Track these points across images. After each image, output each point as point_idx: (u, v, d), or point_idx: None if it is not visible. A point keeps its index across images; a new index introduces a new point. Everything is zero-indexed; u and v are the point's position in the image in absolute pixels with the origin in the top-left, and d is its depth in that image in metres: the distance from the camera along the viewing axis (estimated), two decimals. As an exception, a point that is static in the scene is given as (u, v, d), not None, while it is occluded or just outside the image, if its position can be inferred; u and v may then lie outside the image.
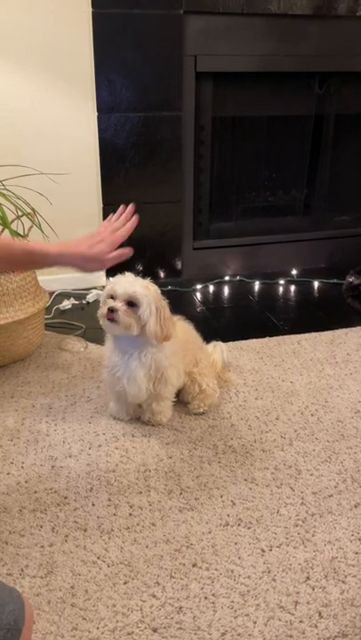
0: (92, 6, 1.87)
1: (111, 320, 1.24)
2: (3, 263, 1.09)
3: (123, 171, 2.13)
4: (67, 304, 2.12)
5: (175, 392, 1.44)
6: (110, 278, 1.30)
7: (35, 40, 1.89)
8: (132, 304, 1.24)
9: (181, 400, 1.49)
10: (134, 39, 1.96)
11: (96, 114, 2.03)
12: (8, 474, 1.25)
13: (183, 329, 1.47)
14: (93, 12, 1.88)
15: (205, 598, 0.97)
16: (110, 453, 1.32)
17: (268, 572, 1.02)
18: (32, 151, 1.99)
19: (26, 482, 1.23)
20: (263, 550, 1.07)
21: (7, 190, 1.62)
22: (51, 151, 2.04)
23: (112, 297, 1.26)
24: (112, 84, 1.99)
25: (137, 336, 1.27)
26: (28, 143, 2.00)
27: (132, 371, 1.32)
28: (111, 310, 1.23)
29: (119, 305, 1.23)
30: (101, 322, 1.28)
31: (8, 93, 1.94)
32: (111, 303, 1.24)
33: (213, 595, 0.98)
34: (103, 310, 1.25)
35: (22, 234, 1.66)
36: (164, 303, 1.29)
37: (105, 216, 2.14)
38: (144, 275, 2.30)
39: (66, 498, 1.19)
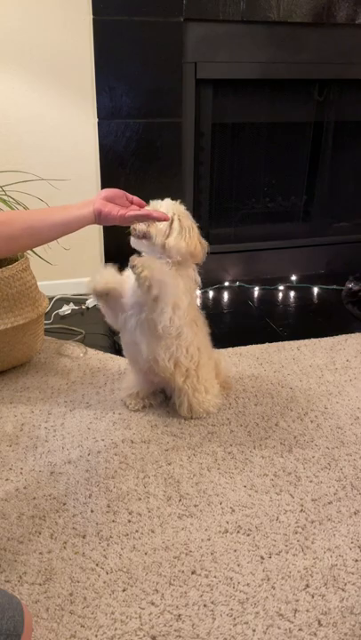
0: (93, 13, 1.88)
1: (134, 230, 1.27)
2: (31, 242, 1.10)
3: (123, 177, 2.14)
4: (66, 309, 2.13)
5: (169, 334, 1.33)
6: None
7: (35, 47, 1.90)
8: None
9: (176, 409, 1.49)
10: (135, 46, 1.97)
11: (96, 120, 2.03)
12: (7, 480, 1.25)
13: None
14: (94, 19, 1.89)
15: (204, 606, 0.97)
16: (109, 460, 1.32)
17: (268, 579, 1.02)
18: (32, 157, 2.00)
19: (24, 488, 1.23)
20: (262, 558, 1.06)
21: (7, 196, 1.63)
22: (51, 157, 2.05)
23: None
24: (112, 90, 2.00)
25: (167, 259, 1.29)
26: (28, 149, 2.01)
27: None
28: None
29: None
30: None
31: (8, 99, 1.94)
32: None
33: (212, 602, 0.97)
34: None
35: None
36: (192, 222, 1.31)
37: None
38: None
39: (65, 504, 1.18)
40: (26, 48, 1.89)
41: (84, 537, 1.10)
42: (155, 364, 1.36)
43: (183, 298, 1.31)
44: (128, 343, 1.39)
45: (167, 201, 1.32)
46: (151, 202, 1.31)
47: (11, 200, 1.62)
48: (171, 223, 1.28)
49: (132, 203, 1.18)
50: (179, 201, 1.34)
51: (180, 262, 1.32)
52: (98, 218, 1.12)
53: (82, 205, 1.11)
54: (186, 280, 1.33)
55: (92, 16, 1.89)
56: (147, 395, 1.51)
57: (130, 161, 2.13)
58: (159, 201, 1.32)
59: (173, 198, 1.35)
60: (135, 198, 1.19)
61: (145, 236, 1.28)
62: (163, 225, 1.26)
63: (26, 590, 0.99)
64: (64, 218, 1.08)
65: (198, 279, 1.38)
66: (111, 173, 2.12)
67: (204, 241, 1.34)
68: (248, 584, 1.01)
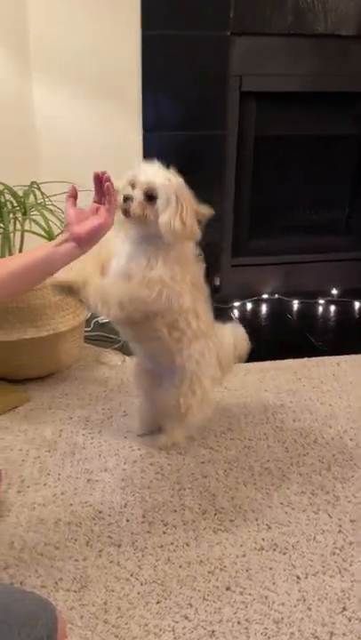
0: (142, 28, 1.92)
1: (125, 209, 1.10)
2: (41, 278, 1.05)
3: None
4: (103, 317, 2.15)
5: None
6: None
7: (86, 61, 1.95)
8: (151, 197, 1.11)
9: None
10: (181, 59, 1.99)
11: (142, 132, 2.06)
12: (45, 485, 1.27)
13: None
14: (143, 34, 1.93)
15: (238, 623, 0.96)
16: (145, 469, 1.33)
17: (304, 600, 1.00)
18: (79, 168, 2.02)
19: (62, 494, 1.24)
20: (298, 577, 1.04)
21: (54, 205, 1.66)
22: (97, 168, 2.08)
23: (133, 186, 1.13)
24: (158, 103, 2.03)
25: (157, 239, 1.12)
26: (75, 161, 2.05)
27: (122, 256, 1.17)
28: (126, 199, 1.10)
29: (136, 194, 1.11)
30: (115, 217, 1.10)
31: (57, 112, 1.99)
32: (128, 190, 1.12)
33: (247, 620, 0.96)
34: (119, 198, 1.10)
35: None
36: (190, 197, 1.14)
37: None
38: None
39: (100, 512, 1.19)
40: (76, 62, 1.94)
41: (119, 546, 1.11)
42: None
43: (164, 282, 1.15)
44: None
45: (155, 170, 1.14)
46: (138, 166, 1.15)
47: (57, 210, 1.65)
48: (167, 201, 1.11)
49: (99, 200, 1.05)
50: (173, 174, 1.16)
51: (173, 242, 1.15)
52: (81, 242, 1.01)
53: (58, 242, 1.02)
54: (179, 260, 1.18)
55: (140, 30, 1.93)
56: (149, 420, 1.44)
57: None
58: (144, 167, 1.15)
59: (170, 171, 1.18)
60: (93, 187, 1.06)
61: (141, 221, 1.12)
62: (159, 206, 1.10)
63: (61, 596, 1.00)
64: (45, 255, 1.01)
65: (195, 251, 1.23)
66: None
67: (202, 209, 1.16)
68: (283, 603, 0.99)
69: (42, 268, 1.03)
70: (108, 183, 1.04)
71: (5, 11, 1.82)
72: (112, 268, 1.20)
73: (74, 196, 1.07)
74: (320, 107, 2.29)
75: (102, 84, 1.99)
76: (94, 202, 1.07)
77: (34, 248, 1.03)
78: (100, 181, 1.05)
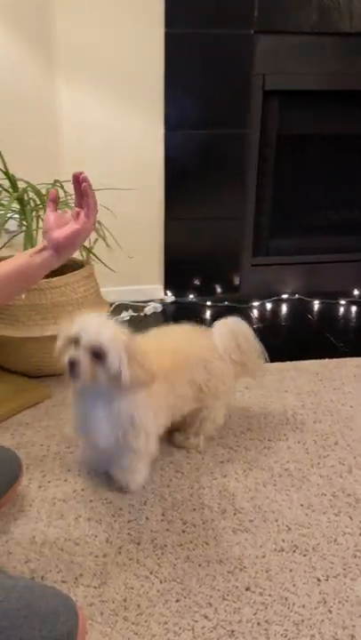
0: (166, 26, 1.92)
1: (72, 373, 1.04)
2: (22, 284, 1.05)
3: (186, 186, 2.16)
4: (125, 315, 2.16)
5: (156, 439, 1.21)
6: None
7: (109, 60, 1.96)
8: (98, 355, 1.04)
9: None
10: (204, 58, 1.99)
11: (163, 131, 2.07)
12: (65, 480, 1.28)
13: (180, 339, 1.30)
14: (166, 32, 1.93)
15: (258, 624, 0.95)
16: (165, 467, 1.33)
17: (324, 602, 0.99)
18: (100, 166, 2.05)
19: (82, 490, 1.25)
20: (319, 580, 1.03)
21: (76, 203, 1.67)
22: (118, 166, 2.09)
23: (76, 343, 1.06)
24: (181, 101, 2.03)
25: (116, 390, 1.08)
26: (96, 158, 2.06)
27: (96, 421, 1.13)
28: (72, 364, 1.04)
29: (81, 356, 1.04)
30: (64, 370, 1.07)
31: (80, 111, 2.01)
32: (72, 352, 1.05)
33: (266, 621, 0.96)
34: (64, 359, 1.05)
35: (88, 245, 1.71)
36: (138, 349, 1.08)
37: (167, 229, 2.18)
38: (200, 290, 2.31)
39: (120, 509, 1.20)
40: (100, 61, 1.95)
41: (138, 544, 1.11)
42: None
43: (145, 414, 1.15)
44: None
45: (107, 330, 1.06)
46: (78, 320, 1.08)
47: (79, 208, 1.66)
48: (118, 358, 1.05)
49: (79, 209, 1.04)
50: (116, 325, 1.09)
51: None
52: (59, 249, 1.00)
53: (34, 250, 1.02)
54: (144, 401, 1.14)
55: (164, 29, 1.93)
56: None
57: (194, 171, 2.14)
58: (85, 322, 1.07)
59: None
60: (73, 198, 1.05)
61: (92, 381, 1.06)
62: (109, 365, 1.04)
63: (81, 592, 1.00)
64: (21, 266, 1.00)
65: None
66: (175, 183, 2.15)
67: (149, 363, 1.10)
68: (304, 605, 0.98)
69: (18, 280, 1.02)
70: (84, 184, 1.01)
71: (31, 12, 1.84)
72: (94, 433, 1.15)
73: (54, 200, 1.05)
74: (344, 105, 2.28)
75: (125, 82, 2.00)
76: (75, 205, 1.05)
77: (10, 259, 1.02)
78: (79, 182, 1.03)
